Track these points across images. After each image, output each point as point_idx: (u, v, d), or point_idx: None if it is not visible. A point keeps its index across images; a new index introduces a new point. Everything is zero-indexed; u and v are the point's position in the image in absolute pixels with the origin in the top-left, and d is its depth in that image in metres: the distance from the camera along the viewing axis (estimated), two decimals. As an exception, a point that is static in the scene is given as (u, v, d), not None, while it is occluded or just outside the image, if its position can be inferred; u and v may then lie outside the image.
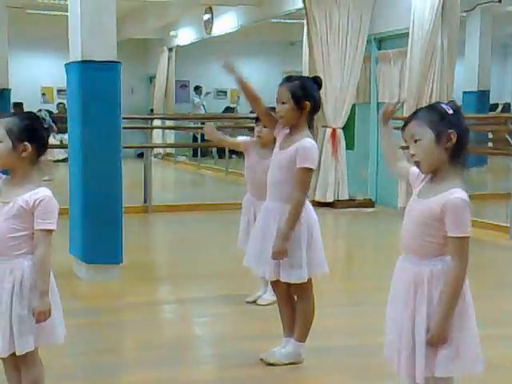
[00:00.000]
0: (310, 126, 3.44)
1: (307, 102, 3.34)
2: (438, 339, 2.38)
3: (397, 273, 2.53)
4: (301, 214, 3.34)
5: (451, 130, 2.37)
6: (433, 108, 2.43)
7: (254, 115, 4.41)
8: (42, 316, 2.54)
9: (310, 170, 3.34)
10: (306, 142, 3.35)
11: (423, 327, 2.40)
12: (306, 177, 3.34)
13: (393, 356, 2.50)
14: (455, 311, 2.38)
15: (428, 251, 2.42)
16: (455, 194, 2.35)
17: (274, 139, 3.58)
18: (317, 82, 3.43)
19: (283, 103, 3.36)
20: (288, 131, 3.43)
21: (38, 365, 2.69)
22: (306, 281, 3.43)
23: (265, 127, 4.22)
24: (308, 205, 3.45)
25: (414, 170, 2.53)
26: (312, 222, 3.43)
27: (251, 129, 4.92)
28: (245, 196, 4.58)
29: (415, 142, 2.40)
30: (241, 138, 4.67)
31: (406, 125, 2.44)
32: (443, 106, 2.42)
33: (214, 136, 4.54)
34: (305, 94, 3.34)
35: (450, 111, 2.39)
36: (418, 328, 2.41)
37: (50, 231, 2.57)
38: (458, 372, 2.47)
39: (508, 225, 7.00)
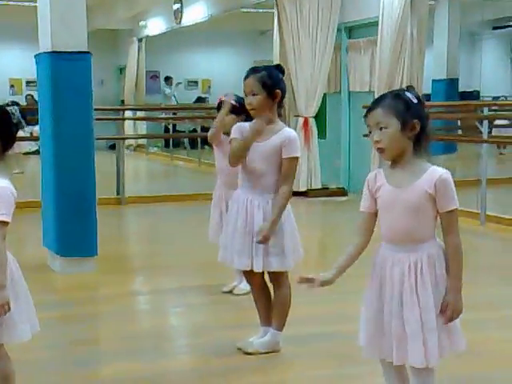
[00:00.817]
0: (281, 114, 3.47)
1: (278, 91, 3.38)
2: (457, 313, 2.44)
3: (386, 265, 2.51)
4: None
5: (416, 120, 2.43)
6: (399, 97, 2.46)
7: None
8: (1, 310, 2.46)
9: (297, 159, 3.42)
10: (289, 132, 3.42)
11: (433, 311, 2.42)
12: (294, 166, 3.40)
13: (390, 348, 2.49)
14: (443, 294, 2.44)
15: (422, 236, 2.46)
16: (439, 170, 2.43)
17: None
18: (280, 69, 3.47)
19: (254, 95, 3.36)
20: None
21: (4, 360, 2.64)
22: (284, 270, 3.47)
23: (227, 115, 4.23)
24: None
25: (368, 183, 2.54)
26: (289, 209, 3.47)
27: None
28: (215, 187, 4.57)
29: (380, 129, 2.44)
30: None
31: (370, 110, 2.48)
32: (408, 94, 2.46)
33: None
34: (274, 83, 3.37)
35: (415, 100, 2.45)
36: (428, 313, 2.42)
37: (3, 223, 2.46)
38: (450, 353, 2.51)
39: (479, 211, 7.10)
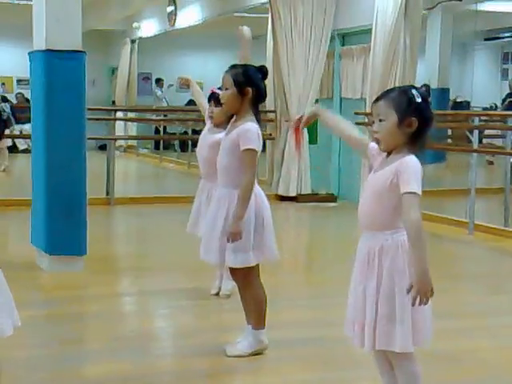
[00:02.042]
0: (257, 117, 3.45)
1: (249, 89, 3.39)
2: (424, 294, 2.36)
3: (357, 250, 2.60)
4: (251, 195, 3.36)
5: (414, 118, 2.46)
6: (404, 92, 2.49)
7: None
8: None
9: (254, 151, 3.37)
10: (247, 125, 3.39)
11: (373, 301, 2.47)
12: (251, 158, 3.37)
13: (349, 328, 2.59)
14: (400, 285, 2.44)
15: (379, 224, 2.50)
16: (410, 156, 2.45)
17: (228, 120, 3.64)
18: (262, 71, 3.48)
19: (226, 89, 3.42)
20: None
21: None
22: (250, 266, 3.43)
23: (216, 107, 4.29)
24: (258, 190, 3.47)
25: (373, 145, 2.62)
26: (262, 206, 3.45)
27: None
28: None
29: (380, 120, 2.49)
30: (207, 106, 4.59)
31: (377, 100, 2.53)
32: (414, 91, 2.48)
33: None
34: (247, 81, 3.39)
35: (419, 99, 2.47)
36: (369, 302, 2.48)
37: None
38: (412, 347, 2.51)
39: (467, 220, 7.13)
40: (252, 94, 3.39)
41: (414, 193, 2.39)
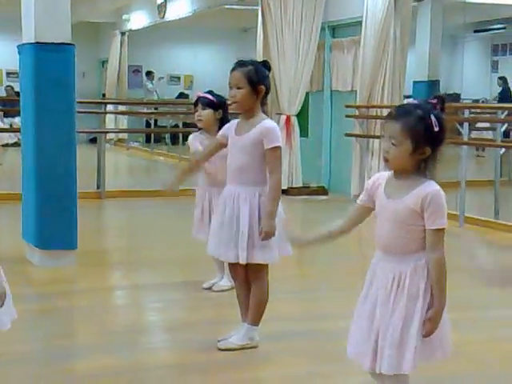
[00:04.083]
0: (264, 110, 3.48)
1: (262, 87, 3.40)
2: (434, 329, 2.43)
3: (375, 272, 2.52)
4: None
5: (428, 148, 2.40)
6: (422, 119, 2.39)
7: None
8: None
9: (280, 148, 3.42)
10: (267, 123, 3.41)
11: (401, 323, 2.43)
12: (278, 155, 3.40)
13: (364, 353, 2.50)
14: (410, 318, 2.44)
15: (410, 248, 2.45)
16: (432, 186, 2.40)
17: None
18: (266, 66, 3.49)
19: (239, 88, 3.38)
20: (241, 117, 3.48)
21: None
22: (264, 264, 3.48)
23: (203, 109, 4.32)
24: None
25: (373, 179, 2.55)
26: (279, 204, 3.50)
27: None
28: (198, 184, 4.58)
29: (392, 143, 2.41)
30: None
31: (391, 118, 2.43)
32: (433, 119, 2.39)
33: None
34: (260, 79, 3.39)
35: (437, 128, 2.39)
36: (397, 324, 2.43)
37: None
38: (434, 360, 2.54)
39: (457, 212, 7.15)
40: (264, 91, 3.40)
41: (442, 229, 2.40)
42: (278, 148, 3.39)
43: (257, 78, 3.38)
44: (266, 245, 3.40)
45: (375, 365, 2.48)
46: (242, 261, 3.42)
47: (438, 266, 2.42)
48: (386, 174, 2.52)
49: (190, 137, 4.56)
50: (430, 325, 2.43)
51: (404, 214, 2.42)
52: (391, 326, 2.44)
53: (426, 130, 2.38)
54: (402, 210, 2.42)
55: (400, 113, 2.43)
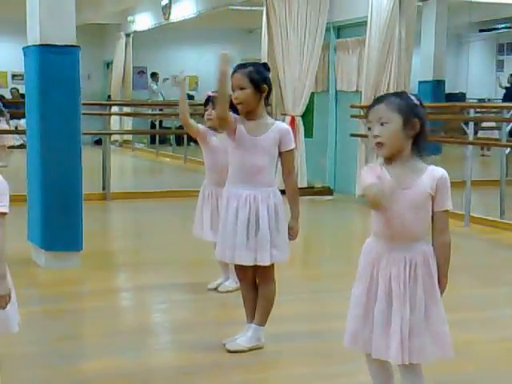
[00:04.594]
0: (267, 111, 3.50)
1: (265, 86, 3.42)
2: None
3: (380, 263, 2.53)
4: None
5: (416, 119, 2.48)
6: (402, 96, 2.53)
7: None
8: (3, 302, 2.46)
9: (294, 150, 3.52)
10: (283, 124, 3.57)
11: (422, 311, 2.49)
12: (293, 157, 3.54)
13: (387, 346, 2.50)
14: (434, 301, 2.52)
15: (421, 234, 2.54)
16: (439, 170, 2.51)
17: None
18: (266, 67, 3.53)
19: (242, 89, 3.39)
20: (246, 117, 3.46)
21: None
22: (272, 264, 3.49)
23: (213, 109, 4.30)
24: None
25: (373, 167, 2.55)
26: (282, 204, 3.53)
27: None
28: (203, 185, 4.58)
29: (381, 124, 2.47)
30: (200, 126, 4.64)
31: (373, 106, 2.52)
32: (411, 96, 2.53)
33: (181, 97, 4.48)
34: (261, 79, 3.42)
35: (417, 102, 2.51)
36: (418, 312, 2.48)
37: (2, 214, 2.51)
38: (434, 357, 2.56)
39: (463, 212, 7.14)
40: (267, 90, 3.43)
41: (447, 210, 2.51)
42: (293, 150, 3.50)
43: (259, 77, 3.40)
44: (281, 243, 3.48)
45: (400, 356, 2.48)
46: (265, 262, 3.43)
47: (448, 248, 2.54)
48: (378, 167, 2.50)
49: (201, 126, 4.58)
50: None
51: (419, 198, 2.48)
52: (415, 316, 2.47)
53: (408, 103, 2.49)
54: (418, 194, 2.48)
55: (378, 98, 2.56)
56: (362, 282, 2.56)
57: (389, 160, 2.50)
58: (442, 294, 2.55)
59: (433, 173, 2.49)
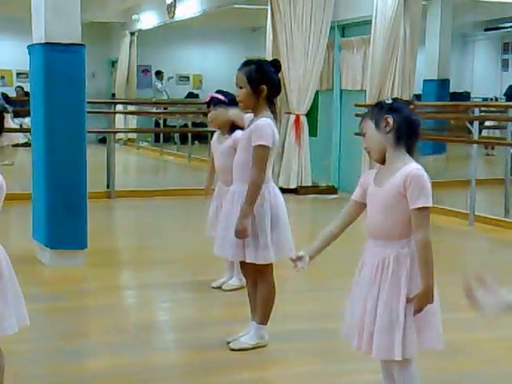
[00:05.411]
0: (272, 110, 3.43)
1: (263, 86, 3.35)
2: (423, 306, 2.45)
3: (364, 258, 2.61)
4: (259, 192, 3.34)
5: (387, 115, 2.51)
6: (378, 104, 2.60)
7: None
8: None
9: (265, 147, 3.32)
10: (261, 120, 3.36)
11: (388, 307, 2.47)
12: (261, 154, 3.32)
13: (353, 334, 2.57)
14: (398, 301, 2.48)
15: (394, 234, 2.51)
16: (412, 167, 2.47)
17: (230, 123, 3.58)
18: (275, 65, 3.45)
19: (241, 88, 3.39)
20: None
21: None
22: (267, 264, 3.46)
23: (215, 110, 4.33)
24: (274, 187, 3.48)
25: (364, 176, 2.66)
26: (277, 203, 3.46)
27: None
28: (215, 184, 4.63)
29: (364, 135, 2.58)
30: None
31: (361, 122, 2.63)
32: (384, 100, 2.60)
33: None
34: (261, 78, 3.35)
35: (389, 101, 2.56)
36: (384, 308, 2.48)
37: None
38: (421, 349, 2.54)
39: (467, 211, 7.13)
40: (267, 90, 3.36)
41: (422, 207, 2.43)
42: (262, 146, 3.31)
43: (257, 77, 3.34)
44: (259, 245, 3.38)
45: (364, 347, 2.52)
46: (232, 258, 3.51)
47: (423, 247, 2.45)
48: (374, 171, 2.62)
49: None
50: (417, 303, 2.45)
51: (389, 198, 2.48)
52: (378, 311, 2.49)
53: (379, 106, 2.55)
54: (389, 193, 2.48)
55: (366, 113, 2.65)
56: (355, 275, 2.64)
57: (382, 162, 2.57)
58: (425, 298, 2.44)
59: (405, 171, 2.45)
